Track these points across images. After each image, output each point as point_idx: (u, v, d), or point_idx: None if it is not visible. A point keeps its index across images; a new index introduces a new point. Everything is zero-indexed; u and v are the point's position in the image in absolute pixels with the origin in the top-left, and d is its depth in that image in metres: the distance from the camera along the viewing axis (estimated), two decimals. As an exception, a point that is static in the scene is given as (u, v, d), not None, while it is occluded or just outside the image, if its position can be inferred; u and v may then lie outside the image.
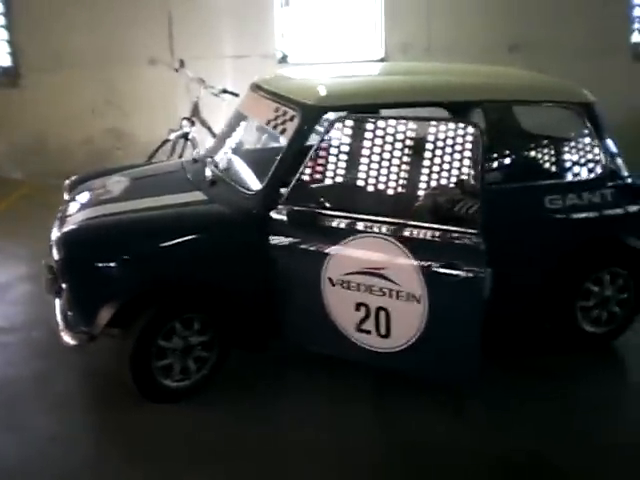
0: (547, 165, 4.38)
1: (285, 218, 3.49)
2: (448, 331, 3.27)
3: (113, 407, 3.67)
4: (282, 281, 3.60)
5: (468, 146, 3.15)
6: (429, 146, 3.27)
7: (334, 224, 3.46)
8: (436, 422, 3.54)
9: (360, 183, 3.48)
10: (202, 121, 6.69)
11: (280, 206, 3.56)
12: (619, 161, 4.20)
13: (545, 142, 4.47)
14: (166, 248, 3.55)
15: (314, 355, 3.79)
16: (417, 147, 3.31)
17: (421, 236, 3.27)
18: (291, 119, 3.74)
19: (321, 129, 3.67)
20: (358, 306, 3.42)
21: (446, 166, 3.25)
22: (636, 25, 8.51)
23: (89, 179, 4.59)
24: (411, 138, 3.33)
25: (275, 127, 3.83)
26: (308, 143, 3.72)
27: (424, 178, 3.35)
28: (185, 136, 6.57)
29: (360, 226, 3.41)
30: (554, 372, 4.09)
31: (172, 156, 6.38)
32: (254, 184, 3.79)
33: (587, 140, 4.17)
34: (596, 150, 4.14)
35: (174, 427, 3.51)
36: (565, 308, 4.18)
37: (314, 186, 3.58)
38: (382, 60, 8.13)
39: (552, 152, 4.42)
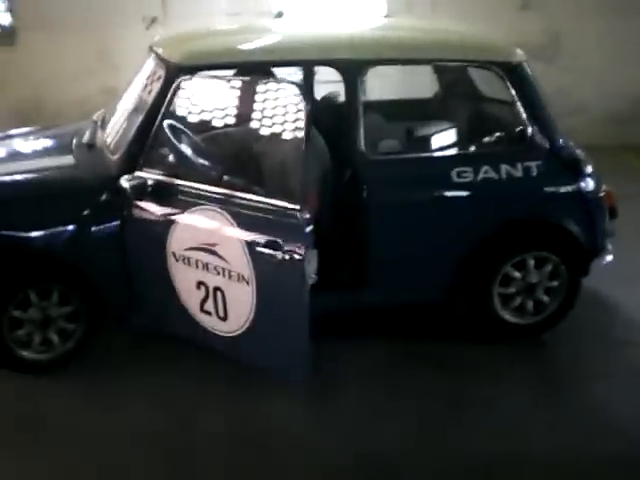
0: (457, 132, 3.85)
1: (128, 186, 3.18)
2: (276, 316, 2.92)
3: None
4: (135, 254, 3.33)
5: (292, 109, 2.73)
6: (259, 110, 2.88)
7: (176, 194, 3.14)
8: (297, 414, 3.23)
9: (203, 149, 3.13)
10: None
11: (131, 174, 3.26)
12: (550, 131, 3.67)
13: (457, 105, 3.97)
14: (12, 213, 3.32)
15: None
16: (252, 111, 2.92)
17: (249, 211, 2.90)
18: (158, 79, 3.42)
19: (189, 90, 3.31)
20: (199, 285, 3.12)
21: (276, 132, 2.84)
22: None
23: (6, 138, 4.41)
24: (248, 101, 2.94)
25: (146, 88, 3.52)
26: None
27: (257, 145, 2.97)
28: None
29: (198, 197, 3.07)
30: (456, 365, 3.66)
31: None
32: (119, 149, 3.50)
33: (509, 105, 3.66)
34: (519, 117, 3.62)
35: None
36: (479, 295, 3.72)
37: (163, 152, 3.26)
38: (386, 17, 7.59)
39: (465, 117, 3.92)
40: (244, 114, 2.94)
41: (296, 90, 2.71)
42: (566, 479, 2.91)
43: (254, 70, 3.42)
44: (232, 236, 2.91)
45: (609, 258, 3.89)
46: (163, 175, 3.22)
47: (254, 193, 2.89)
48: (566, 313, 3.86)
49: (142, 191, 3.18)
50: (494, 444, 3.06)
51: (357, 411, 3.27)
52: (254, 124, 2.91)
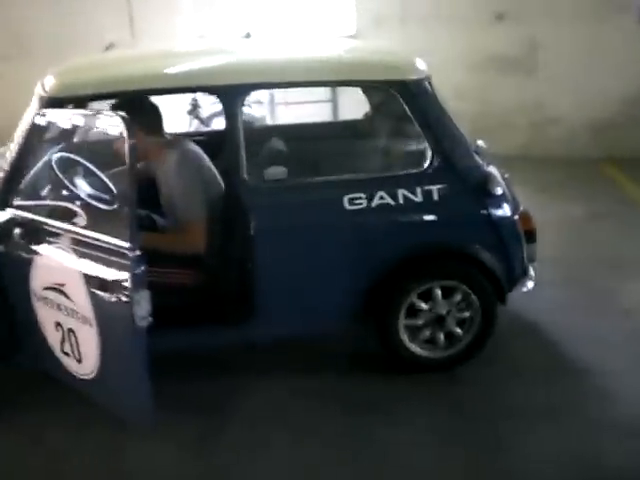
0: (352, 156, 3.64)
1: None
2: (117, 359, 2.75)
3: None
4: (11, 292, 3.21)
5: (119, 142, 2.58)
6: (96, 144, 2.73)
7: (37, 232, 3.02)
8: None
9: (57, 184, 2.99)
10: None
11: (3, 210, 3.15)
12: (455, 152, 3.44)
13: (351, 129, 3.76)
14: None
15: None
16: (91, 145, 2.78)
17: (88, 249, 2.75)
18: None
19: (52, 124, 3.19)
20: (56, 325, 2.98)
21: (108, 166, 2.69)
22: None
23: None
24: (87, 134, 2.81)
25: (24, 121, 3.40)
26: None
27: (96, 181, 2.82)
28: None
29: (54, 235, 2.93)
30: (361, 402, 3.44)
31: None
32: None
33: (406, 126, 3.44)
34: (418, 138, 3.40)
35: None
36: (384, 328, 3.50)
37: (29, 188, 3.13)
38: (352, 37, 7.44)
39: (363, 140, 3.70)
40: (85, 148, 2.80)
41: (120, 123, 2.55)
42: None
43: (130, 99, 3.29)
44: (75, 276, 2.76)
45: (530, 285, 3.64)
46: (30, 211, 3.09)
47: (93, 229, 2.74)
48: (482, 346, 3.60)
49: (10, 228, 3.06)
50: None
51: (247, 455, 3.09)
52: (94, 158, 2.77)
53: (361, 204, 3.32)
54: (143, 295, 2.55)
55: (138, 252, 2.55)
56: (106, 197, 2.76)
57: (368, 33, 7.38)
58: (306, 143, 3.90)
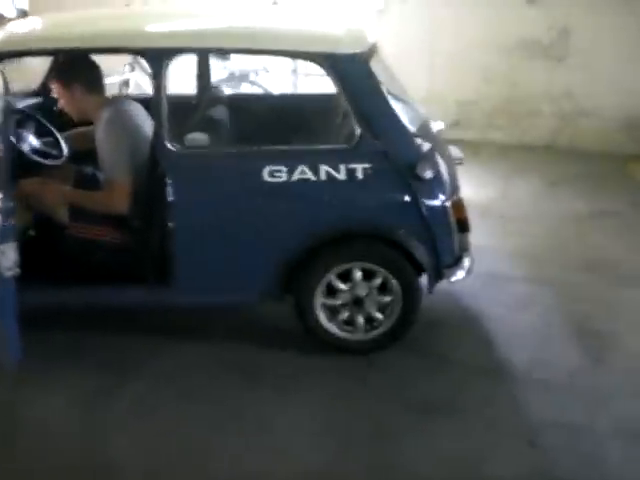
0: (277, 128, 3.57)
1: None
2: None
3: None
4: None
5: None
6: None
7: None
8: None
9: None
10: (142, 67, 6.43)
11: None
12: (385, 131, 3.33)
13: (279, 100, 3.68)
14: None
15: None
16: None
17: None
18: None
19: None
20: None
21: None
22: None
23: None
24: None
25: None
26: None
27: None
28: (126, 82, 6.37)
29: None
30: (266, 375, 3.42)
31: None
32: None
33: (335, 100, 3.37)
34: (347, 114, 3.32)
35: None
36: (302, 304, 3.46)
37: None
38: (380, 12, 7.29)
39: (291, 113, 3.62)
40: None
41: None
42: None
43: (71, 58, 3.36)
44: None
45: (459, 275, 3.52)
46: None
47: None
48: (403, 332, 3.52)
49: None
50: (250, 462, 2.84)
51: (134, 413, 3.14)
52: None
53: (281, 177, 3.26)
54: (9, 246, 2.60)
55: (10, 203, 2.59)
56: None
57: (394, 10, 7.21)
58: (247, 114, 3.85)
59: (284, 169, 3.26)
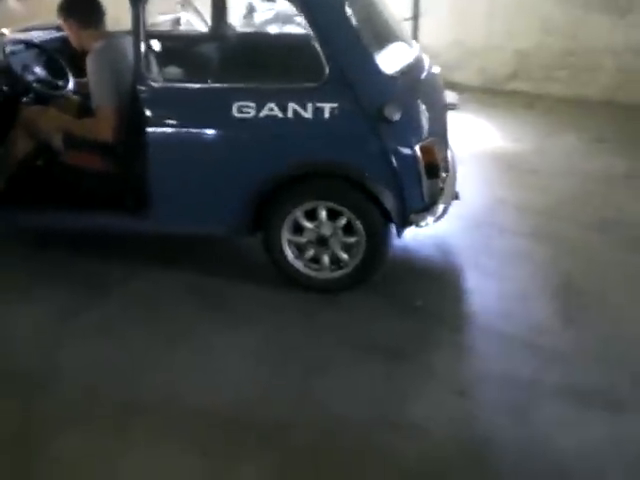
0: (245, 65, 3.59)
1: None
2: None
3: None
4: None
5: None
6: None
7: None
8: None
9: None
10: (194, 6, 6.56)
11: None
12: (356, 71, 3.32)
13: (251, 38, 3.70)
14: None
15: None
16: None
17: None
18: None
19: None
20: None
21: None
22: None
23: None
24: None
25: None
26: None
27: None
28: (177, 20, 6.53)
29: None
30: (227, 303, 3.55)
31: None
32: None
33: (305, 39, 3.38)
34: (315, 53, 3.32)
35: None
36: (268, 239, 3.55)
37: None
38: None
39: (261, 50, 3.63)
40: None
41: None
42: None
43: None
44: None
45: (429, 221, 3.50)
46: None
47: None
48: (367, 274, 3.55)
49: None
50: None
51: (96, 328, 3.35)
52: None
53: (249, 113, 3.32)
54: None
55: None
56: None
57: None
58: (228, 51, 3.90)
59: (252, 105, 3.31)
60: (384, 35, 3.68)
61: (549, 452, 2.60)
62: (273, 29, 6.25)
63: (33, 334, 3.30)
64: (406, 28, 7.08)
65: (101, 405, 2.85)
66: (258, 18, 6.44)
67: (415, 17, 7.17)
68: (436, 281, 3.83)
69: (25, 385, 2.96)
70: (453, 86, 6.94)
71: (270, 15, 6.27)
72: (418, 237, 4.11)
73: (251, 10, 6.37)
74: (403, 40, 3.86)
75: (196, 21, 6.48)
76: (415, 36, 7.22)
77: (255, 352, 3.20)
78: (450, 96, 3.92)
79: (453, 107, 3.87)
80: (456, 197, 3.94)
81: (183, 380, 2.99)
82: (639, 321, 3.43)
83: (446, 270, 3.96)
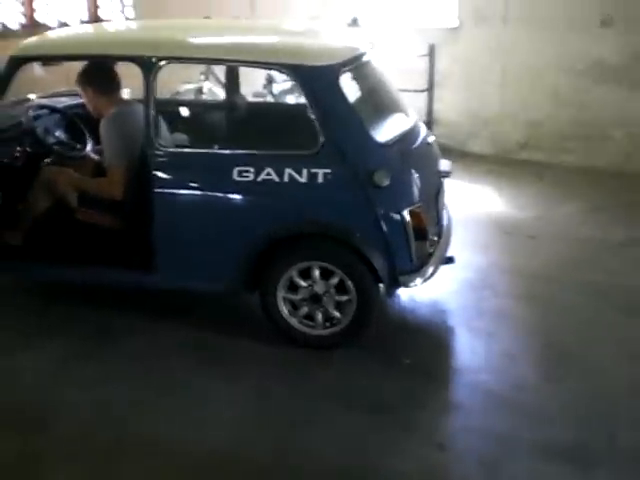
0: (248, 132, 3.85)
1: None
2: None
3: None
4: None
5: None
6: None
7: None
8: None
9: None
10: (216, 76, 6.93)
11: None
12: (347, 140, 3.55)
13: (254, 107, 3.96)
14: None
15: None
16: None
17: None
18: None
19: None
20: None
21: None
22: None
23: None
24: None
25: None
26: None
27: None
28: (200, 89, 6.90)
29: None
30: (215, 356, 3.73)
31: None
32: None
33: (303, 110, 3.63)
34: (311, 122, 3.57)
35: None
36: (265, 296, 3.75)
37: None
38: (454, 30, 7.42)
39: (258, 119, 3.90)
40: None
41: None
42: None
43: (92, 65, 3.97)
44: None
45: (417, 282, 3.66)
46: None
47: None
48: (358, 332, 3.71)
49: None
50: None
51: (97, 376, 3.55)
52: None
53: (248, 177, 3.57)
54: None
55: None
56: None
57: (469, 28, 7.30)
58: (230, 119, 4.19)
59: (252, 170, 3.56)
60: (382, 105, 3.92)
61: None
62: (290, 99, 6.57)
63: (33, 379, 3.51)
64: (404, 99, 7.42)
65: (93, 442, 3.05)
66: (276, 88, 6.78)
67: (430, 88, 7.45)
68: (427, 339, 3.96)
69: (24, 422, 3.18)
70: (465, 155, 7.27)
71: (288, 85, 6.61)
72: (413, 298, 4.27)
73: (270, 81, 6.72)
74: (400, 110, 4.08)
75: (218, 90, 6.85)
76: (430, 106, 7.51)
77: (243, 404, 3.35)
78: (444, 164, 4.12)
79: (446, 175, 4.06)
80: (451, 261, 4.10)
81: (170, 426, 3.16)
82: (620, 381, 3.51)
83: (438, 329, 4.10)
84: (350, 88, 3.75)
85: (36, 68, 4.76)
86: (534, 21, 6.93)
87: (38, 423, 3.16)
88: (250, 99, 4.77)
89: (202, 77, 6.88)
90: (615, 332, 3.97)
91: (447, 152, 7.37)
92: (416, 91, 7.35)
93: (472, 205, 6.05)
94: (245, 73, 4.25)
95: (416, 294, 4.27)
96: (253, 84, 4.79)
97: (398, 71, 7.41)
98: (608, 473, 2.90)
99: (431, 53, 7.40)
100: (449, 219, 4.31)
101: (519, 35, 7.03)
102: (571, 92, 6.94)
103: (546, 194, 6.39)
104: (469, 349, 3.84)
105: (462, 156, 7.42)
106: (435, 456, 3.02)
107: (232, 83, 4.77)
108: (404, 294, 4.29)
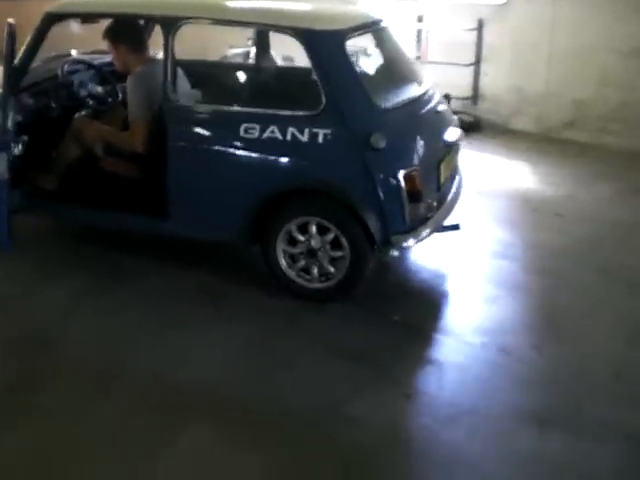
0: (255, 92, 4.04)
1: None
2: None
3: None
4: None
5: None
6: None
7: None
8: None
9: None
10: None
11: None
12: (348, 101, 3.71)
13: (270, 69, 4.15)
14: None
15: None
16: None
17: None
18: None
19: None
20: None
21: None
22: None
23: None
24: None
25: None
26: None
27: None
28: (247, 54, 7.12)
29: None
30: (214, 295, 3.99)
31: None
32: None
33: (307, 72, 3.81)
34: (315, 85, 3.74)
35: None
36: (265, 247, 3.97)
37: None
38: (504, 5, 7.39)
39: (269, 80, 4.08)
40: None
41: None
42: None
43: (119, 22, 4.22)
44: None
45: (409, 243, 3.80)
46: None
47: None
48: (351, 287, 3.89)
49: None
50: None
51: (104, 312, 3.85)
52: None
53: (254, 134, 3.78)
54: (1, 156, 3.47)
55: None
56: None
57: (519, 4, 7.27)
58: (244, 80, 4.40)
59: (257, 127, 3.76)
60: (393, 72, 4.07)
61: (471, 454, 2.85)
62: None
63: (47, 309, 3.84)
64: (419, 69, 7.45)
65: (88, 368, 3.35)
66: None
67: (477, 62, 7.46)
68: (424, 301, 4.10)
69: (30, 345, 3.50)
70: (507, 131, 7.28)
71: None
72: (424, 262, 4.44)
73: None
74: (412, 78, 4.21)
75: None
76: (476, 81, 7.53)
77: (235, 345, 3.57)
78: (454, 133, 4.19)
79: (453, 144, 4.16)
80: (456, 228, 4.23)
81: (166, 358, 3.43)
82: (609, 360, 3.52)
83: (437, 292, 4.22)
84: (361, 54, 3.88)
85: (73, 25, 5.07)
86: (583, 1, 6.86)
87: (41, 349, 3.47)
88: (278, 63, 4.95)
89: (249, 42, 7.06)
90: (620, 314, 3.96)
91: (490, 128, 7.53)
92: (463, 65, 7.39)
93: (504, 180, 6.10)
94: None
95: (428, 258, 4.42)
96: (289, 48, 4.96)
97: (445, 44, 7.54)
98: (562, 434, 2.98)
99: (480, 27, 7.40)
100: (458, 188, 4.40)
101: (568, 13, 6.97)
102: (618, 73, 6.85)
103: (582, 174, 6.35)
104: (465, 313, 3.94)
105: (504, 132, 7.45)
106: (400, 405, 3.18)
107: (262, 47, 4.97)
108: (413, 257, 4.43)
